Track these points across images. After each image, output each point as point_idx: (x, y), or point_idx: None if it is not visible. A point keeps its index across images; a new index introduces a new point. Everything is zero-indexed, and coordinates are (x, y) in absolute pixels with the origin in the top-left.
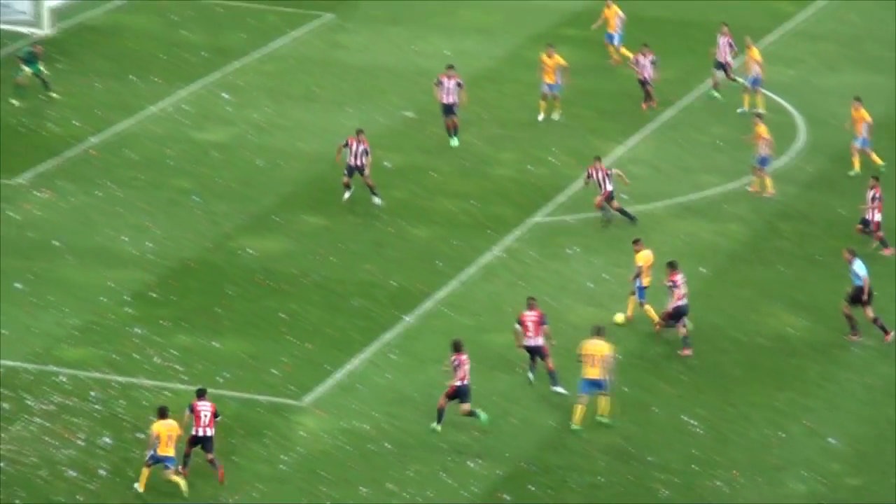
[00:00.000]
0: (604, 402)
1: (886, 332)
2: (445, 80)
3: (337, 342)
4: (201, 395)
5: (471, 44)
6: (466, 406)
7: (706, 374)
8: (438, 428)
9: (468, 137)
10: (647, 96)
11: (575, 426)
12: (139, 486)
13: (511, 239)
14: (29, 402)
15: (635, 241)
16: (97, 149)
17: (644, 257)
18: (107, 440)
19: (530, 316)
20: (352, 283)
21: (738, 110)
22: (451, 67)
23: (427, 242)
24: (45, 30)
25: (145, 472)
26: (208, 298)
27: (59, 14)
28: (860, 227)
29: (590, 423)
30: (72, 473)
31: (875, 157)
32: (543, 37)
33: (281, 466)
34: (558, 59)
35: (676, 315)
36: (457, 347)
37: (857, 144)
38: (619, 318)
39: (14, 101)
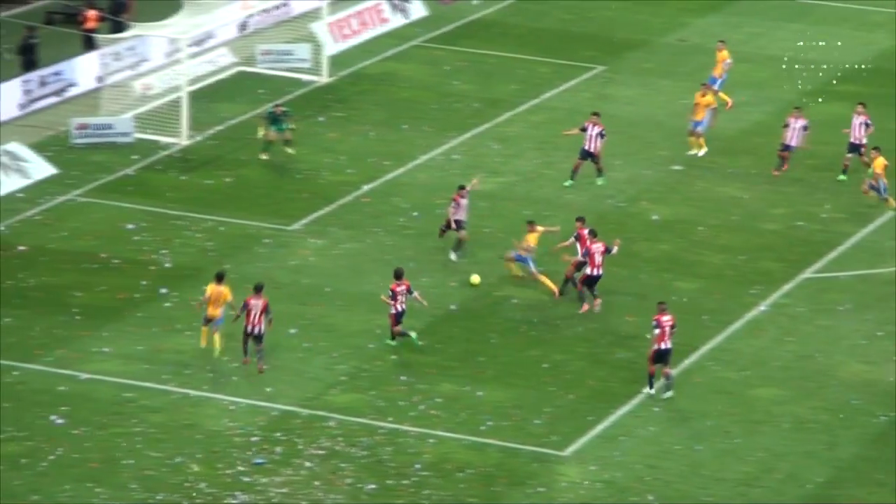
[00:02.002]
0: None
1: None
2: (590, 127)
3: (599, 393)
4: (258, 290)
5: (742, 98)
6: (397, 328)
7: None
8: (416, 339)
9: (736, 192)
10: (782, 161)
11: None
12: (202, 342)
13: (779, 294)
14: (300, 447)
15: (529, 222)
16: (368, 196)
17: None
18: (372, 486)
19: (668, 321)
20: (615, 334)
21: None
22: (595, 114)
23: (692, 296)
24: (324, 77)
25: (203, 330)
26: (472, 347)
27: (336, 62)
28: None
29: (865, 480)
30: None
31: None
32: (817, 92)
33: None
34: (709, 100)
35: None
36: (396, 275)
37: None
38: (475, 279)
39: (263, 156)
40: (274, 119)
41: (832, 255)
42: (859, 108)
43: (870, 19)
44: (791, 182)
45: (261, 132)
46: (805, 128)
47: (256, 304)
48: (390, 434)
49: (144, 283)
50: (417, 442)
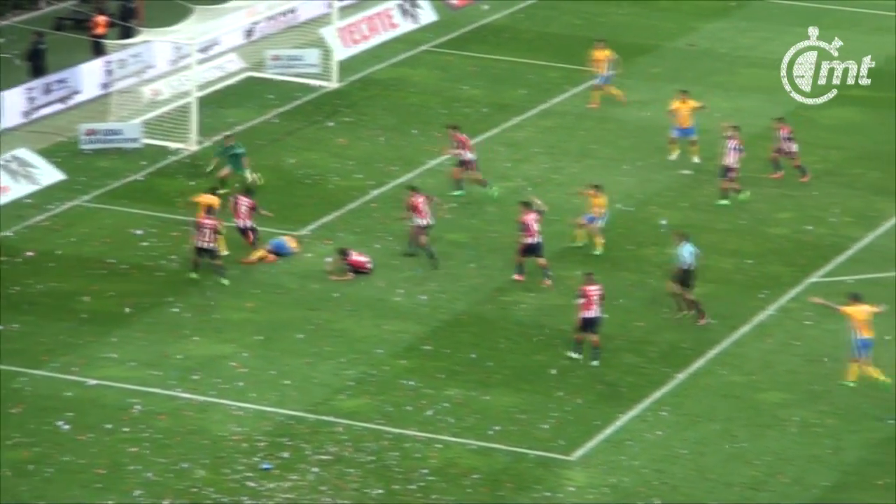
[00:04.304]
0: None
1: (702, 314)
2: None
3: (607, 398)
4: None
5: (751, 103)
6: (197, 260)
7: None
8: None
9: (744, 196)
10: (786, 168)
11: (852, 383)
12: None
13: (786, 298)
14: (307, 452)
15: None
16: (377, 202)
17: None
18: (378, 491)
19: (595, 290)
20: (623, 339)
21: None
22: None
23: (700, 300)
24: (333, 83)
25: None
26: (480, 352)
27: (346, 67)
28: None
29: (871, 484)
30: None
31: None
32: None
33: None
34: (692, 104)
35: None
36: (208, 210)
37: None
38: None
39: (221, 191)
40: (224, 151)
41: (840, 259)
42: (730, 132)
43: (882, 24)
44: (798, 186)
45: (212, 164)
46: (788, 138)
47: (208, 223)
48: (397, 439)
49: (152, 288)
50: (424, 447)
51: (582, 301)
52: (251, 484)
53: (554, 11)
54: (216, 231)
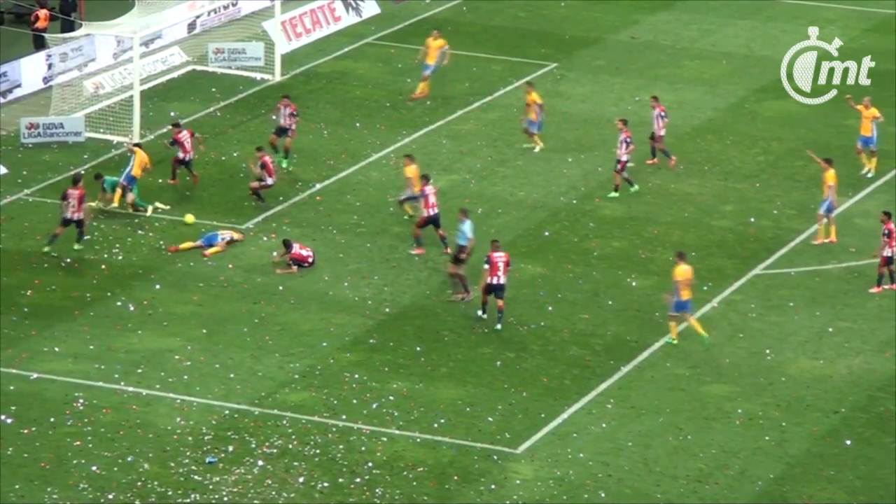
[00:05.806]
0: (694, 321)
1: (467, 291)
2: (282, 108)
3: (553, 391)
4: (176, 125)
5: (694, 95)
6: (59, 231)
7: None
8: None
9: (690, 189)
10: (653, 152)
11: (674, 340)
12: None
13: (730, 291)
14: (252, 445)
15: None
16: (321, 195)
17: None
18: (324, 484)
19: (500, 257)
20: (569, 332)
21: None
22: (285, 97)
23: (645, 293)
24: (277, 76)
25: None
26: (425, 344)
27: (289, 60)
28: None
29: (815, 476)
30: None
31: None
32: (767, 89)
33: None
34: (535, 97)
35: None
36: (74, 180)
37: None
38: (189, 218)
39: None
40: (113, 184)
41: (783, 251)
42: (619, 125)
43: (821, 16)
44: (742, 178)
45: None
46: (661, 116)
47: (184, 134)
48: (343, 432)
49: (95, 281)
50: (370, 440)
51: (487, 267)
52: (197, 477)
53: (497, 4)
54: (81, 200)
